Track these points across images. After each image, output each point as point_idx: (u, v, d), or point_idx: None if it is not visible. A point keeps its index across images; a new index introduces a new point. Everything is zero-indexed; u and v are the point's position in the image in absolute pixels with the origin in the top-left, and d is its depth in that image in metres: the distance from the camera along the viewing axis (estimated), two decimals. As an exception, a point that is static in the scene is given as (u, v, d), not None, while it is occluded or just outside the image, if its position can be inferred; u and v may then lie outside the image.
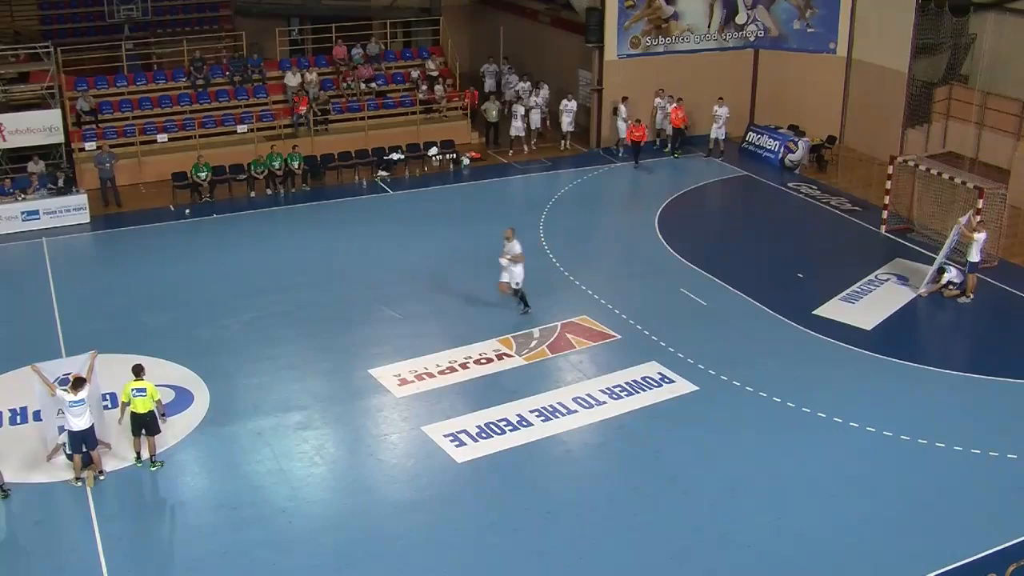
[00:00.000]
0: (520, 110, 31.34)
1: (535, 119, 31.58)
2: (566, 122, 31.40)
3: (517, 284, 20.53)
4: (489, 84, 34.40)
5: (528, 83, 32.55)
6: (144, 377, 15.54)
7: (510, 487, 15.33)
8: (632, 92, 31.38)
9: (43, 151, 27.33)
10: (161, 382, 17.61)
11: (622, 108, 30.87)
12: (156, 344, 18.96)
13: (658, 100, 31.29)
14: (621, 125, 30.90)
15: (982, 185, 22.72)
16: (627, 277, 22.95)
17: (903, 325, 20.77)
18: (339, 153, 29.36)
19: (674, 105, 30.79)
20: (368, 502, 15.14)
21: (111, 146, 27.74)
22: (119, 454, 15.91)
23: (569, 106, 31.25)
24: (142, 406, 15.46)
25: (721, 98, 30.72)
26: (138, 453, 15.82)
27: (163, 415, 15.96)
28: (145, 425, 15.62)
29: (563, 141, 31.70)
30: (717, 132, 30.79)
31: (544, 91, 31.98)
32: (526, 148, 31.43)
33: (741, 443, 16.37)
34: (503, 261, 20.45)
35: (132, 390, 15.44)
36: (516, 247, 20.30)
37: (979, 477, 15.52)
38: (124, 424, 15.90)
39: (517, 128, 31.32)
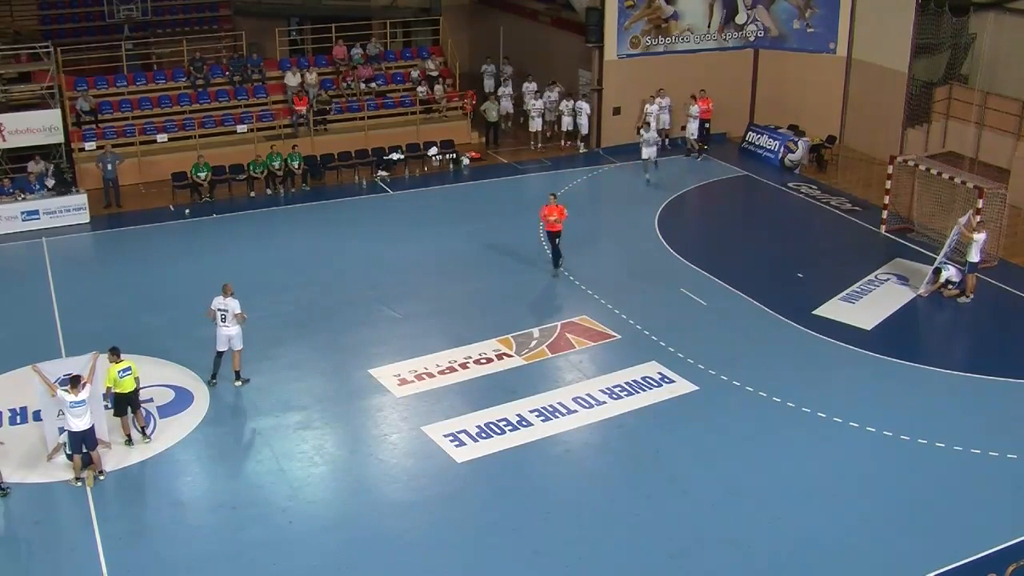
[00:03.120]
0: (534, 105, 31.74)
1: (536, 122, 31.63)
2: (582, 124, 31.42)
3: (239, 348, 17.88)
4: (488, 84, 34.40)
5: (534, 84, 32.55)
6: (122, 357, 15.98)
7: (510, 487, 15.33)
8: (631, 92, 31.39)
9: (43, 151, 27.34)
10: (161, 382, 17.70)
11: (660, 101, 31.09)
12: (156, 344, 18.97)
13: (659, 100, 31.25)
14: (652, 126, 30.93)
15: (982, 185, 22.72)
16: (627, 277, 22.95)
17: (903, 325, 20.77)
18: (339, 153, 29.37)
19: (701, 97, 30.93)
20: (368, 502, 15.14)
21: (113, 146, 27.76)
22: (119, 454, 15.92)
23: (583, 108, 31.29)
24: (129, 385, 15.86)
25: (694, 96, 30.80)
26: (129, 436, 16.12)
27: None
28: (130, 403, 16.05)
29: (572, 142, 31.78)
30: (691, 130, 30.92)
31: (552, 94, 32.05)
32: (533, 146, 31.63)
33: (741, 443, 16.37)
34: (228, 330, 17.56)
35: (118, 372, 15.76)
36: (237, 305, 17.59)
37: (979, 477, 15.52)
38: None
39: (535, 124, 31.70)
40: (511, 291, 21.95)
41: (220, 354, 17.85)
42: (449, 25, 35.19)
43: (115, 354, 15.94)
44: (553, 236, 22.67)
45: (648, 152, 28.69)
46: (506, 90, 33.11)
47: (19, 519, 14.61)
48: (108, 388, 15.91)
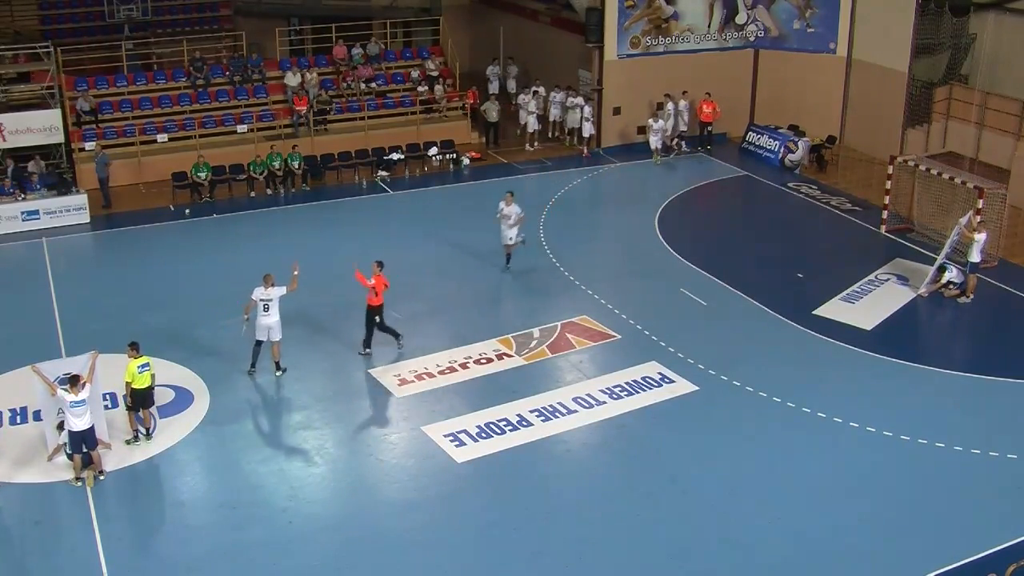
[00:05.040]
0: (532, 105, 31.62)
1: (532, 121, 31.61)
2: (574, 119, 31.44)
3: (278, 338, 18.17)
4: (494, 87, 34.40)
5: (542, 88, 32.37)
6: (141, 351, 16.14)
7: (510, 487, 15.33)
8: (632, 92, 31.37)
9: (43, 151, 27.36)
10: (161, 382, 17.64)
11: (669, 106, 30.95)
12: (156, 344, 18.91)
13: (683, 103, 31.31)
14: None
15: (982, 185, 22.72)
16: (627, 277, 22.95)
17: (903, 325, 20.77)
18: (339, 153, 29.37)
19: (703, 99, 31.01)
20: (368, 502, 15.15)
21: (109, 146, 27.83)
22: (119, 454, 15.92)
23: (576, 103, 31.30)
24: (146, 380, 16.01)
25: (668, 95, 30.83)
26: (136, 431, 16.23)
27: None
28: (145, 399, 16.13)
29: (567, 138, 31.89)
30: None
31: (557, 95, 32.07)
32: (528, 146, 31.60)
33: (741, 443, 16.37)
34: (269, 319, 17.86)
35: (138, 366, 15.90)
36: (282, 290, 17.93)
37: (979, 477, 15.52)
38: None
39: (531, 123, 31.57)
40: (511, 291, 21.96)
41: (259, 343, 18.18)
42: (449, 25, 35.21)
43: (134, 349, 16.06)
44: (373, 312, 18.82)
45: (508, 234, 22.47)
46: (526, 99, 32.08)
47: (19, 519, 14.60)
48: (127, 383, 15.96)
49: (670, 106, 30.90)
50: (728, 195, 29.00)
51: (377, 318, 18.87)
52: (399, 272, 22.61)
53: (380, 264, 18.82)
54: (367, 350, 19.09)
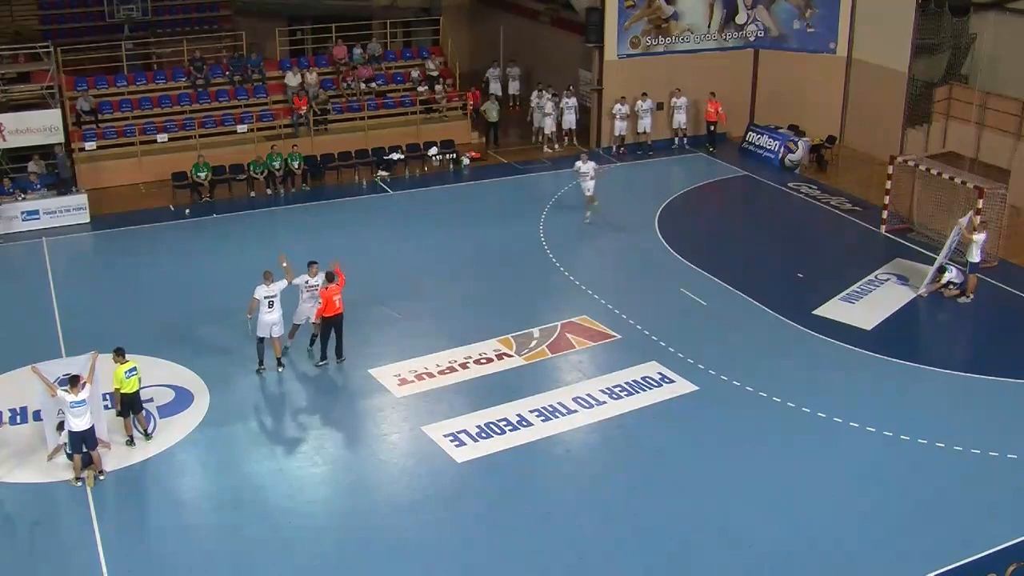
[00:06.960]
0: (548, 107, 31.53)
1: (549, 123, 31.59)
2: (568, 120, 31.47)
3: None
4: (494, 87, 34.37)
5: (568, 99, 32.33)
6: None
7: (510, 487, 15.33)
8: (632, 92, 31.36)
9: (43, 151, 27.37)
10: (161, 382, 17.69)
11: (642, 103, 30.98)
12: (156, 344, 18.97)
13: (675, 100, 31.30)
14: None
15: (982, 185, 22.72)
16: (627, 277, 22.96)
17: (903, 325, 20.77)
18: (339, 153, 29.37)
19: (710, 100, 31.05)
20: (368, 502, 15.15)
21: (108, 146, 27.89)
22: (119, 454, 15.92)
23: (570, 103, 31.29)
24: (135, 385, 15.99)
25: (623, 96, 30.86)
26: (131, 436, 16.18)
27: None
28: (133, 404, 16.11)
29: (564, 139, 31.87)
30: (621, 128, 31.07)
31: (545, 93, 32.05)
32: (548, 149, 31.56)
33: (741, 443, 16.37)
34: (272, 315, 17.96)
35: (125, 372, 15.85)
36: (282, 284, 18.08)
37: (979, 477, 15.52)
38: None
39: (548, 125, 31.50)
40: (511, 291, 21.95)
41: (261, 340, 18.22)
42: (449, 25, 35.22)
43: (120, 355, 15.97)
44: (332, 322, 18.45)
45: (305, 311, 18.93)
46: (542, 103, 31.67)
47: (19, 519, 14.61)
48: (116, 389, 15.93)
49: (642, 104, 30.84)
50: (728, 195, 29.00)
51: (333, 328, 18.49)
52: (399, 272, 22.73)
53: (330, 276, 18.52)
54: (340, 360, 18.80)
